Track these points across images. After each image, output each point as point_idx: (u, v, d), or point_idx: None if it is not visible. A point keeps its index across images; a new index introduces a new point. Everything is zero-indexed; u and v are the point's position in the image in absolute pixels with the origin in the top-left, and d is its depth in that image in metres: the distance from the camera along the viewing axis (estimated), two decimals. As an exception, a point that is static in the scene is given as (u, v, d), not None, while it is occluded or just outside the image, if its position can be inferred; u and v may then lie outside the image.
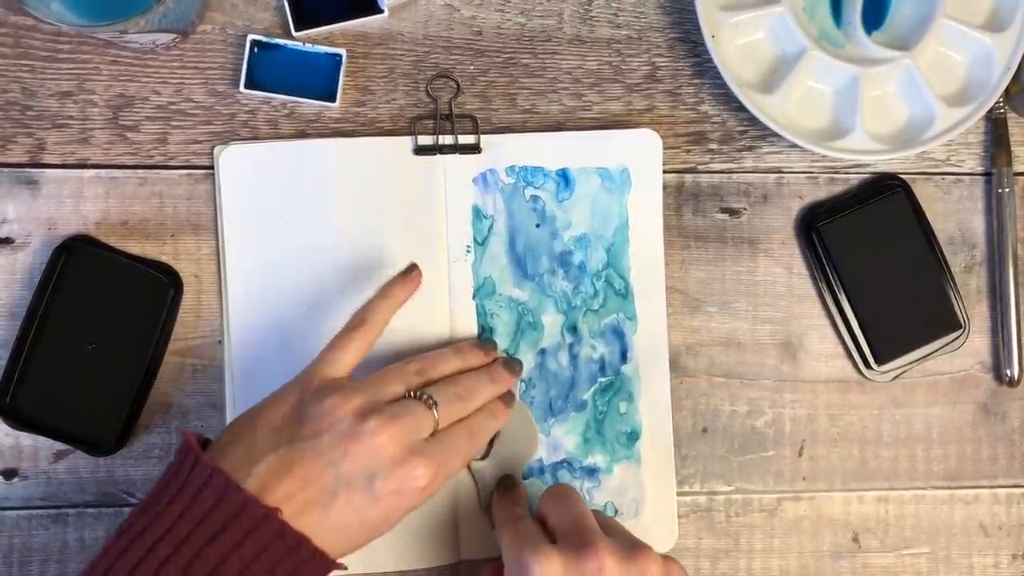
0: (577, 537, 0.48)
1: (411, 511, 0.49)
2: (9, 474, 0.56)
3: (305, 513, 0.46)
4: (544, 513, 0.51)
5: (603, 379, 0.58)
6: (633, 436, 0.58)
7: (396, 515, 0.48)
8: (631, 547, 0.48)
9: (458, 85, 0.58)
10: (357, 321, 0.52)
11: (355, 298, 0.56)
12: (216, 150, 0.57)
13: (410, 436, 0.48)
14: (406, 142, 0.58)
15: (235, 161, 0.57)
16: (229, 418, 0.56)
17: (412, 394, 0.50)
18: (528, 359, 0.58)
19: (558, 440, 0.58)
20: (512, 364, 0.57)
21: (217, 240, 0.57)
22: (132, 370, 0.55)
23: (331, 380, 0.49)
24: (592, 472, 0.58)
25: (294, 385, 0.50)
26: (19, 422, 0.55)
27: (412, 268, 0.56)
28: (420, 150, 0.58)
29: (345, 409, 0.48)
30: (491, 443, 0.57)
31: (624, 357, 0.58)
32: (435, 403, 0.50)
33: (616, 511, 0.58)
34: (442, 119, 0.58)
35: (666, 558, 0.49)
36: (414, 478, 0.48)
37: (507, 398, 0.55)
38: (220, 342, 0.57)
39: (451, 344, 0.57)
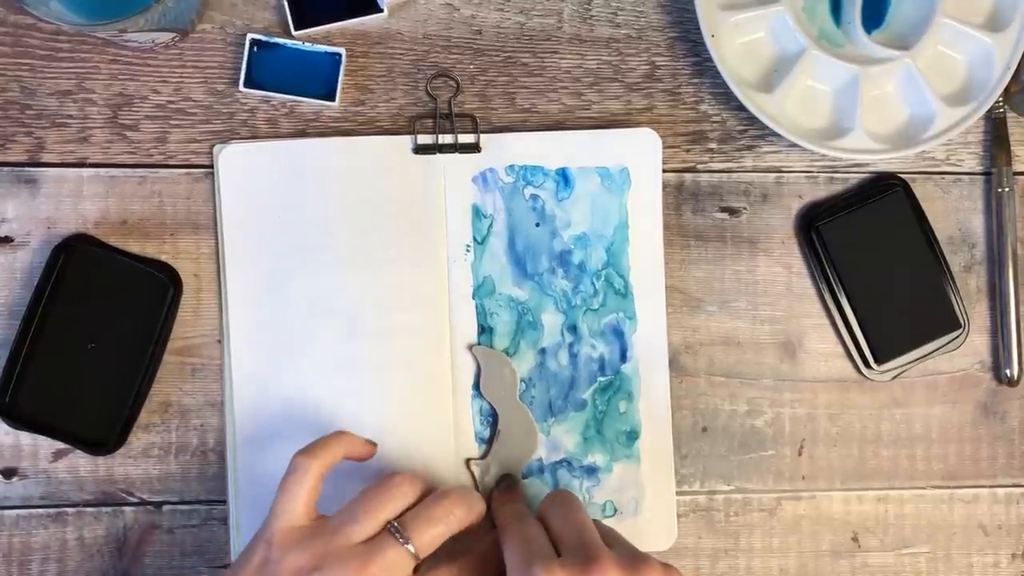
0: (582, 551, 0.47)
1: None
2: (9, 473, 0.56)
3: None
4: (546, 520, 0.51)
5: (603, 378, 0.58)
6: (633, 435, 0.58)
7: None
8: (633, 559, 0.48)
9: (458, 84, 0.58)
10: (298, 465, 0.50)
11: (353, 298, 0.57)
12: (216, 149, 0.57)
13: None
14: (406, 141, 0.58)
15: (235, 160, 0.57)
16: (228, 418, 0.56)
17: (388, 528, 0.48)
18: (528, 359, 0.58)
19: (558, 439, 0.58)
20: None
21: (217, 239, 0.57)
22: (131, 369, 0.55)
23: (291, 532, 0.48)
24: (592, 471, 0.58)
25: (258, 543, 0.49)
26: (19, 421, 0.55)
27: (373, 445, 0.54)
28: (420, 149, 0.58)
29: (309, 566, 0.47)
30: (491, 442, 0.57)
31: (624, 356, 0.58)
32: (408, 539, 0.48)
33: (616, 510, 0.58)
34: (442, 118, 0.58)
35: (667, 567, 0.49)
36: None
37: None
38: (220, 341, 0.57)
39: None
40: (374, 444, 0.54)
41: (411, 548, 0.48)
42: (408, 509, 0.50)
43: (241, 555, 0.49)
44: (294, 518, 0.49)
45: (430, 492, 0.51)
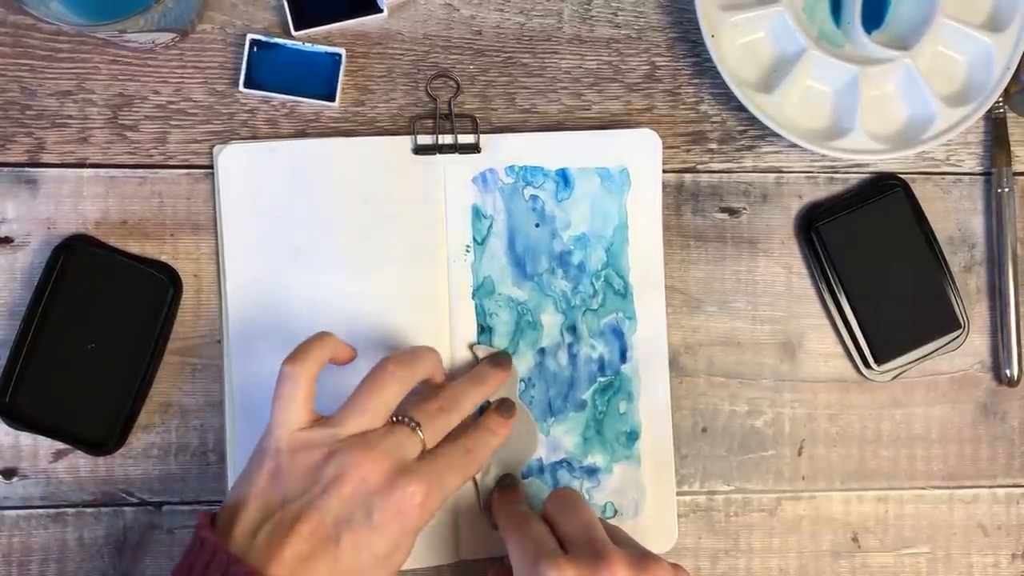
0: (590, 548, 0.48)
1: (420, 530, 0.48)
2: (8, 474, 0.56)
3: (312, 566, 0.45)
4: (552, 519, 0.51)
5: (602, 379, 0.58)
6: (633, 436, 0.58)
7: (407, 540, 0.48)
8: (641, 558, 0.48)
9: (458, 85, 0.58)
10: (288, 373, 0.49)
11: (353, 298, 0.57)
12: (215, 149, 0.57)
13: (395, 460, 0.47)
14: (406, 142, 0.58)
15: (234, 160, 0.57)
16: (228, 418, 0.56)
17: (394, 419, 0.49)
18: (527, 359, 0.58)
19: (558, 440, 0.58)
20: (498, 358, 0.56)
21: (216, 240, 0.57)
22: (132, 370, 0.55)
23: (296, 436, 0.48)
24: (592, 472, 0.58)
25: (264, 454, 0.48)
26: (19, 421, 0.55)
27: (353, 349, 0.53)
28: (420, 150, 0.58)
29: (323, 460, 0.47)
30: (490, 443, 0.57)
31: (623, 357, 0.58)
32: (417, 424, 0.49)
33: (616, 511, 0.58)
34: (441, 119, 0.58)
35: (674, 566, 0.49)
36: (409, 496, 0.47)
37: (505, 409, 0.55)
38: (220, 342, 0.57)
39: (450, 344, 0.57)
40: (354, 349, 0.53)
41: (420, 434, 0.49)
42: (413, 395, 0.51)
43: (244, 474, 0.48)
44: (296, 423, 0.48)
45: (427, 369, 0.52)
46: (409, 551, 0.48)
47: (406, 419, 0.49)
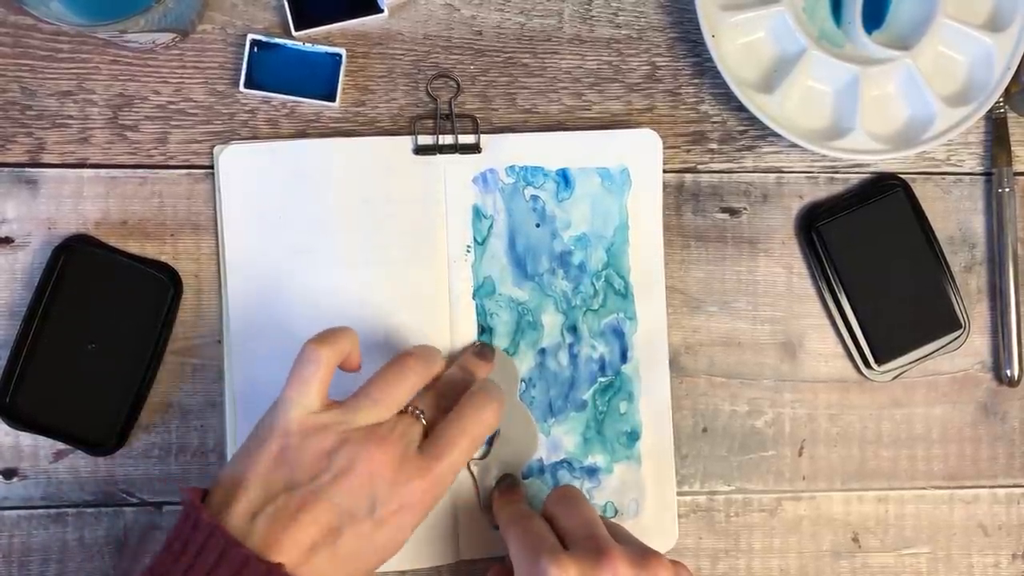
0: (591, 544, 0.48)
1: (419, 524, 0.49)
2: (9, 474, 0.56)
3: (314, 556, 0.45)
4: (553, 516, 0.51)
5: (603, 379, 0.58)
6: (633, 436, 0.58)
7: (404, 533, 0.48)
8: (642, 554, 0.48)
9: (458, 85, 0.58)
10: (310, 354, 0.49)
11: (354, 298, 0.57)
12: (216, 150, 0.57)
13: (401, 452, 0.48)
14: (406, 142, 0.58)
15: (235, 161, 0.57)
16: (228, 418, 0.56)
17: (404, 410, 0.50)
18: (528, 359, 0.58)
19: (558, 440, 0.58)
20: (484, 351, 0.57)
21: (217, 240, 0.57)
22: (132, 370, 0.55)
23: (309, 419, 0.48)
24: (592, 472, 0.58)
25: (271, 433, 0.47)
26: (19, 422, 0.55)
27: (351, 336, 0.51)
28: (420, 150, 0.58)
29: (334, 447, 0.47)
30: (491, 442, 0.57)
31: (624, 357, 0.58)
32: (421, 412, 0.50)
33: (616, 511, 0.58)
34: (442, 119, 0.58)
35: (675, 563, 0.49)
36: (411, 490, 0.47)
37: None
38: (220, 342, 0.57)
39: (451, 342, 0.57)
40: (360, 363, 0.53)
41: (423, 421, 0.50)
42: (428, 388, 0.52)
43: (244, 451, 0.48)
44: (311, 406, 0.48)
45: (439, 368, 0.53)
46: (403, 544, 0.49)
47: (411, 409, 0.50)
